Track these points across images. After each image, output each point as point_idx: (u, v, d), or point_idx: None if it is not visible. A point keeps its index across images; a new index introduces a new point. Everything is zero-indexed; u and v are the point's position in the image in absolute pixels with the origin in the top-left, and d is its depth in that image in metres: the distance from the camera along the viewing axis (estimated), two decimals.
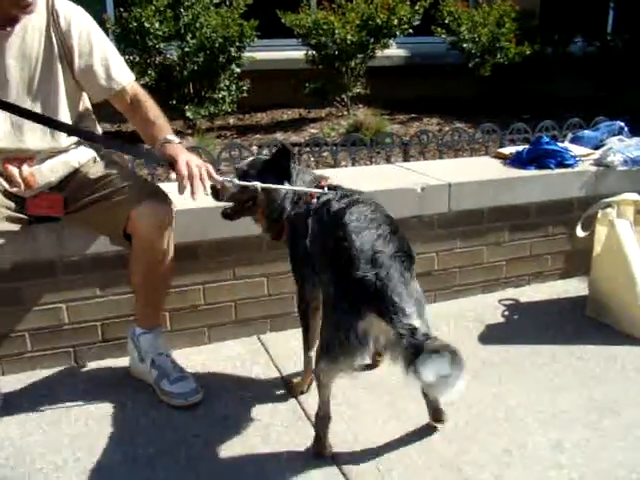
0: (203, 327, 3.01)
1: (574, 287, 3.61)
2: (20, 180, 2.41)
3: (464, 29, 6.13)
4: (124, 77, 2.54)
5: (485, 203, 3.40)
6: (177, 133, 2.55)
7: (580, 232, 3.27)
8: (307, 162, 4.05)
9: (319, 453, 2.22)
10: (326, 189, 2.39)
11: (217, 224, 2.67)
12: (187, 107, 5.07)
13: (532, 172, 3.52)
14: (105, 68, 2.49)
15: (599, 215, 3.24)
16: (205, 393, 2.57)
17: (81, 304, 2.78)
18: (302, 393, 2.59)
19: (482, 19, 6.21)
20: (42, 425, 2.43)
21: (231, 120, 5.75)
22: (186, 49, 5.03)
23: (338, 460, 2.20)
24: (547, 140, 3.69)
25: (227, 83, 5.28)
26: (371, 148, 4.16)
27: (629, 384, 2.67)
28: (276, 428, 2.39)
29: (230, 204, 2.49)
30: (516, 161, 3.63)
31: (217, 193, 2.43)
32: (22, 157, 2.43)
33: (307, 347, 2.54)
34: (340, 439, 2.28)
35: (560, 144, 3.78)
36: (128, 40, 4.94)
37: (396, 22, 5.65)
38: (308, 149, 4.01)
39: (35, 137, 2.43)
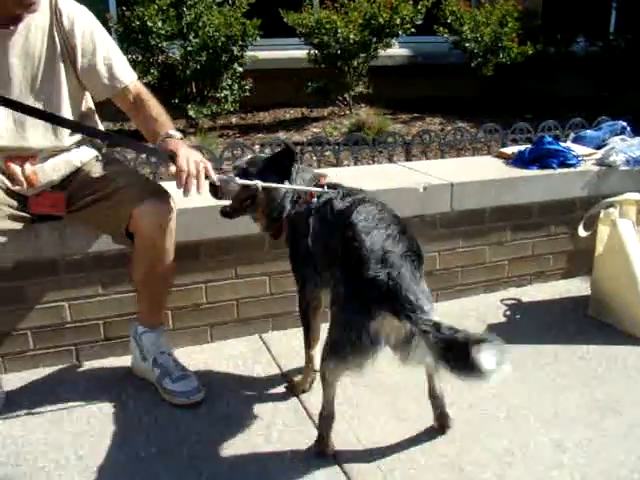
0: (205, 326, 3.01)
1: (576, 287, 3.61)
2: (22, 178, 2.42)
3: (466, 29, 6.13)
4: (127, 76, 2.55)
5: (487, 203, 3.40)
6: (179, 132, 2.55)
7: (582, 232, 3.27)
8: (309, 161, 4.05)
9: (321, 452, 2.22)
10: (325, 187, 2.39)
11: (218, 223, 2.67)
12: (189, 106, 5.07)
13: (534, 172, 3.52)
14: (108, 67, 2.49)
15: (601, 215, 3.24)
16: (207, 392, 2.57)
17: (83, 302, 2.78)
18: (304, 392, 2.59)
19: (485, 19, 6.20)
20: (44, 423, 2.43)
21: (233, 119, 5.74)
22: (189, 48, 5.03)
23: (340, 459, 2.21)
24: (549, 140, 3.69)
25: (229, 82, 5.28)
26: (373, 147, 4.16)
27: (631, 384, 2.67)
28: (278, 427, 2.39)
29: (229, 202, 2.48)
30: (518, 161, 3.63)
31: (216, 191, 2.41)
32: (24, 155, 2.43)
33: (308, 346, 2.55)
34: (342, 438, 2.28)
35: (562, 144, 3.78)
36: (131, 39, 4.94)
37: (399, 21, 5.64)
38: (310, 148, 4.01)
39: (38, 135, 2.43)
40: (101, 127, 2.73)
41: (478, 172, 3.54)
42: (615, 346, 2.95)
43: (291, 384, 2.65)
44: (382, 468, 2.16)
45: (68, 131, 2.50)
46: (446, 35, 6.31)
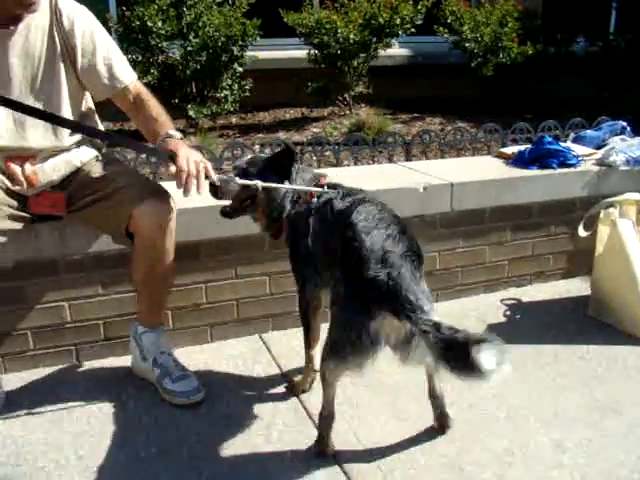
0: (205, 326, 3.01)
1: (576, 287, 3.61)
2: (22, 178, 2.42)
3: (466, 29, 6.13)
4: (127, 76, 2.55)
5: (487, 203, 3.40)
6: (179, 132, 2.54)
7: (582, 232, 3.27)
8: (309, 161, 4.05)
9: (321, 452, 2.22)
10: (325, 188, 2.39)
11: (218, 223, 2.67)
12: (189, 106, 5.07)
13: (534, 172, 3.52)
14: (108, 67, 2.49)
15: (601, 215, 3.24)
16: (207, 392, 2.57)
17: (83, 302, 2.78)
18: (304, 392, 2.59)
19: (485, 19, 6.20)
20: (44, 423, 2.43)
21: (233, 119, 5.75)
22: (189, 48, 5.03)
23: (340, 459, 2.21)
24: (549, 140, 3.69)
25: (229, 82, 5.28)
26: (373, 147, 4.16)
27: (631, 384, 2.67)
28: (278, 427, 2.39)
29: (229, 202, 2.48)
30: (518, 161, 3.63)
31: (216, 191, 2.40)
32: (24, 155, 2.43)
33: (308, 346, 2.55)
34: (342, 438, 2.28)
35: (562, 144, 3.78)
36: (131, 39, 4.94)
37: (399, 21, 5.64)
38: (310, 148, 4.01)
39: (38, 135, 2.43)
40: (101, 127, 2.73)
41: (478, 172, 3.54)
42: (615, 346, 2.95)
43: (291, 384, 2.65)
44: (382, 468, 2.16)
45: (68, 131, 2.50)
46: (446, 35, 6.32)
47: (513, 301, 3.47)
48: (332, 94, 5.89)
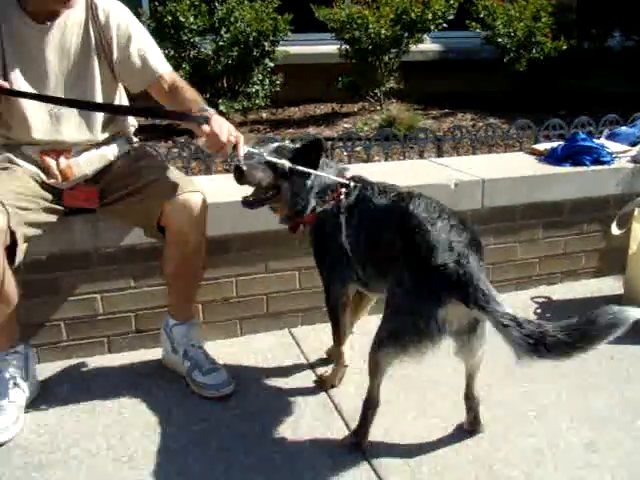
0: (235, 319, 3.04)
1: (608, 286, 3.56)
2: (57, 172, 2.46)
3: (499, 23, 6.05)
4: (161, 66, 2.56)
5: (519, 200, 3.37)
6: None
7: (615, 230, 3.23)
8: (340, 157, 4.05)
9: (358, 444, 2.23)
10: (351, 182, 2.39)
11: (249, 218, 2.69)
12: (221, 101, 5.09)
13: (567, 169, 3.48)
14: (143, 58, 2.51)
15: (636, 213, 3.19)
16: (236, 385, 2.59)
17: (115, 295, 2.82)
18: (332, 387, 2.60)
19: (518, 13, 6.12)
20: (77, 413, 2.47)
21: (264, 114, 5.76)
22: (220, 43, 5.05)
23: (367, 454, 2.21)
24: (583, 137, 3.64)
25: (260, 77, 5.29)
26: (404, 143, 4.15)
27: None
28: (306, 421, 2.40)
29: (251, 192, 2.43)
30: (551, 157, 3.60)
31: (241, 175, 2.32)
32: (59, 149, 2.47)
33: (338, 342, 2.55)
34: (370, 434, 2.27)
35: (596, 140, 3.74)
36: (163, 34, 4.96)
37: (430, 16, 5.61)
38: (341, 144, 4.01)
39: (72, 129, 2.47)
40: (135, 122, 2.76)
41: (510, 169, 3.51)
42: None
43: (320, 379, 2.66)
44: (410, 464, 2.16)
45: (101, 125, 2.54)
46: (478, 30, 6.25)
47: (543, 299, 3.43)
48: (363, 89, 5.87)
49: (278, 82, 5.39)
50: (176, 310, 2.68)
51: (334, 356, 2.61)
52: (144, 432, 2.36)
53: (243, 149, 2.37)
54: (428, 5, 5.59)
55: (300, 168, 2.32)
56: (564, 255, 3.60)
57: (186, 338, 2.65)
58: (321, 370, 2.73)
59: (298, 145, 2.49)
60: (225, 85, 5.25)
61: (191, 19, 4.88)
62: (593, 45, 6.63)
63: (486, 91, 6.33)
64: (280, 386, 2.65)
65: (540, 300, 3.41)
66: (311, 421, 2.41)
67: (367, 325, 2.83)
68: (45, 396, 2.56)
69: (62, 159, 2.47)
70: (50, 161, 2.45)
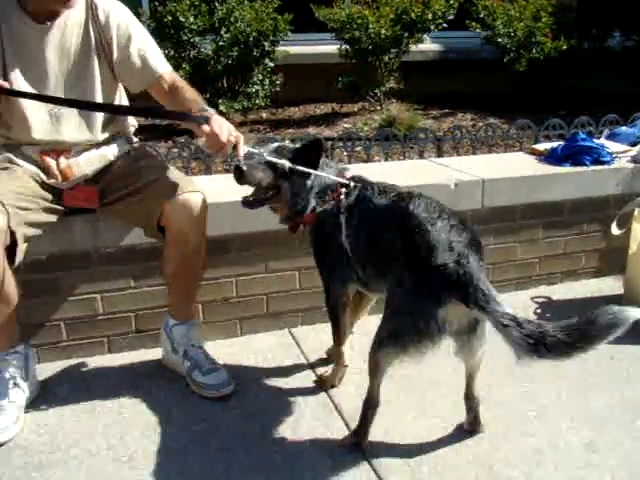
0: (235, 319, 3.04)
1: (608, 286, 3.56)
2: (57, 172, 2.46)
3: (499, 23, 6.05)
4: (161, 66, 2.56)
5: (519, 200, 3.37)
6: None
7: (615, 230, 3.23)
8: (340, 157, 4.05)
9: (358, 444, 2.23)
10: (350, 182, 2.39)
11: (249, 218, 2.69)
12: (221, 101, 5.09)
13: (567, 169, 3.48)
14: (143, 58, 2.51)
15: (636, 213, 3.19)
16: (236, 385, 2.59)
17: (115, 295, 2.82)
18: (332, 387, 2.60)
19: (518, 13, 6.12)
20: (77, 413, 2.47)
21: (264, 114, 5.76)
22: (220, 43, 5.05)
23: (367, 454, 2.21)
24: (583, 137, 3.65)
25: (260, 77, 5.29)
26: (404, 143, 4.15)
27: None
28: (306, 421, 2.41)
29: (251, 192, 2.43)
30: (551, 157, 3.60)
31: (241, 175, 2.31)
32: (59, 149, 2.47)
33: (338, 342, 2.55)
34: (370, 434, 2.27)
35: (596, 140, 3.74)
36: (163, 34, 4.96)
37: (430, 16, 5.61)
38: (341, 144, 4.01)
39: (72, 129, 2.48)
40: (134, 122, 2.76)
41: (510, 169, 3.51)
42: None
43: (320, 379, 2.66)
44: (410, 464, 2.17)
45: (102, 125, 2.54)
46: (478, 30, 6.25)
47: (543, 299, 3.43)
48: (363, 89, 5.87)
49: (278, 82, 5.39)
50: (176, 310, 2.68)
51: (334, 356, 2.61)
52: (144, 432, 2.36)
53: (243, 149, 2.37)
54: (428, 5, 5.59)
55: (300, 168, 2.32)
56: (564, 255, 3.60)
57: (186, 338, 2.65)
58: (321, 370, 2.73)
59: (298, 145, 2.49)
60: (225, 85, 5.25)
61: (191, 19, 4.88)
62: (593, 45, 6.63)
63: (486, 91, 6.33)
64: (280, 386, 2.65)
65: (540, 300, 3.41)
66: (311, 421, 2.41)
67: (367, 325, 2.83)
68: (45, 396, 2.56)
69: (62, 159, 2.47)
70: (50, 161, 2.45)
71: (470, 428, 2.32)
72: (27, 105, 2.37)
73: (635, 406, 2.48)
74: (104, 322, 2.84)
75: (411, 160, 4.08)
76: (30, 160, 2.46)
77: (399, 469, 2.15)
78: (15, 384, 2.42)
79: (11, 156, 2.44)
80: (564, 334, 1.82)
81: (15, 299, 2.35)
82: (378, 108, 5.84)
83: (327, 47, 5.99)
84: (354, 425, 2.28)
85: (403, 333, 2.04)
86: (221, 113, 5.12)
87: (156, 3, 5.10)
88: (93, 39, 2.46)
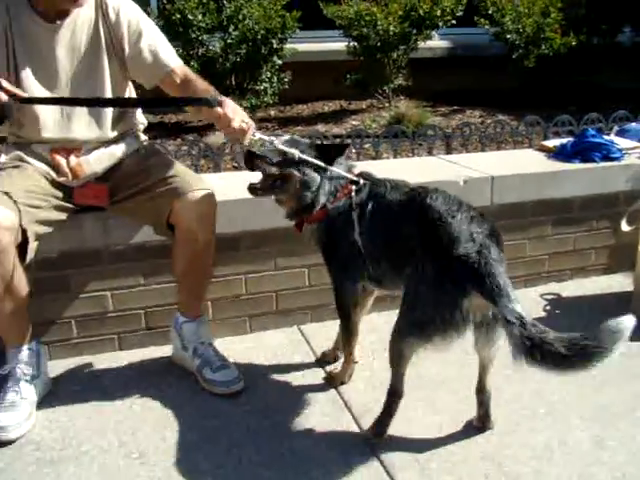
0: (245, 317, 3.05)
1: (618, 282, 3.55)
2: (67, 170, 2.47)
3: (508, 20, 6.03)
4: (173, 60, 2.57)
5: (528, 196, 3.37)
6: None
7: (625, 226, 3.22)
8: (349, 154, 4.05)
9: (380, 434, 2.23)
10: (360, 179, 2.39)
11: (258, 215, 2.70)
12: (229, 99, 5.09)
13: (577, 165, 3.47)
14: (154, 53, 2.52)
15: None
16: (246, 382, 2.60)
17: (126, 292, 2.84)
18: (342, 384, 2.60)
19: (527, 9, 6.10)
20: (88, 409, 2.49)
21: (272, 112, 5.76)
22: (228, 41, 5.06)
23: (377, 451, 2.21)
24: (592, 133, 3.63)
25: (269, 75, 5.29)
26: (413, 140, 4.15)
27: None
28: (316, 417, 2.41)
29: (259, 180, 2.41)
30: (560, 154, 3.59)
31: (252, 162, 2.33)
32: (69, 147, 2.49)
33: (348, 343, 2.55)
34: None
35: (606, 137, 3.72)
36: (171, 32, 4.95)
37: (439, 13, 5.59)
38: (350, 141, 4.01)
39: (82, 127, 2.49)
40: (143, 119, 2.78)
41: (519, 165, 3.50)
42: None
43: (330, 376, 2.66)
44: (419, 460, 2.17)
45: (111, 123, 2.55)
46: (487, 26, 6.22)
47: (553, 296, 3.43)
48: (371, 86, 5.86)
49: (286, 79, 5.39)
50: (186, 307, 2.69)
51: (329, 357, 2.66)
52: (155, 428, 2.37)
53: (255, 135, 2.37)
54: (436, 2, 5.57)
55: (309, 159, 2.31)
56: (574, 252, 3.59)
57: (196, 335, 2.66)
58: (330, 367, 2.73)
59: (303, 138, 2.49)
60: (233, 83, 5.25)
61: (199, 17, 4.89)
62: (603, 41, 6.58)
63: (495, 88, 6.30)
64: (290, 383, 2.66)
65: (550, 297, 3.41)
66: (321, 417, 2.41)
67: (374, 321, 2.85)
68: (56, 393, 2.57)
69: (72, 157, 2.48)
70: (60, 159, 2.46)
71: (479, 424, 2.32)
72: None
73: None
74: (114, 319, 2.86)
75: (420, 157, 4.08)
76: (41, 158, 2.48)
77: (408, 465, 2.15)
78: (27, 381, 2.43)
79: (22, 154, 2.46)
80: (563, 346, 1.80)
81: (27, 296, 2.37)
82: (386, 105, 5.84)
83: (335, 44, 5.98)
84: (363, 421, 2.30)
85: (428, 323, 2.03)
86: None
87: (164, 1, 5.11)
88: (103, 37, 2.47)
